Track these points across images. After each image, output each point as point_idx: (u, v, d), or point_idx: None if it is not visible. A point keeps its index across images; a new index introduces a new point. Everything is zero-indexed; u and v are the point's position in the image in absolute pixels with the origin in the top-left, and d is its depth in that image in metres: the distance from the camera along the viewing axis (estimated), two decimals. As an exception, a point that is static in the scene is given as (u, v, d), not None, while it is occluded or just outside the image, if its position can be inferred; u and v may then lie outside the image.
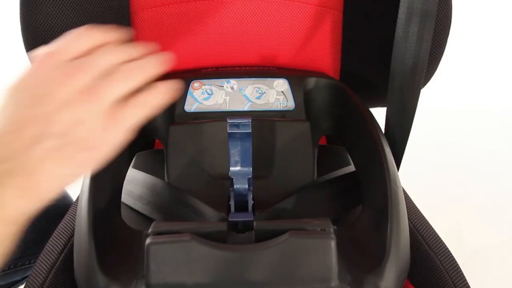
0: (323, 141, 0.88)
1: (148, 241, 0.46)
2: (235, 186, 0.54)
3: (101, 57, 0.43)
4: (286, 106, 0.68)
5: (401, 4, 0.62)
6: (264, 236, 0.46)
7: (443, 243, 0.59)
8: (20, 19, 0.65)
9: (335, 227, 0.49)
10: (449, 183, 1.49)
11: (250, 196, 0.55)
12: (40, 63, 0.42)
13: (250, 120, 0.53)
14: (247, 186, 0.54)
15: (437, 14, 0.64)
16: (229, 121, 0.53)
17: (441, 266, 0.57)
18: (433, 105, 1.57)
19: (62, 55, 0.43)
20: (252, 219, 0.51)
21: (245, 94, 0.69)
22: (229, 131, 0.53)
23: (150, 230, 0.48)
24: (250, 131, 0.53)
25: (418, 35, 0.63)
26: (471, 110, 1.74)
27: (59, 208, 0.66)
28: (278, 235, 0.45)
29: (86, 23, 0.66)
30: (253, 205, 0.56)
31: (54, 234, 0.59)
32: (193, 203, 0.58)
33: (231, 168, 0.54)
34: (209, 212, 0.57)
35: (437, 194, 1.41)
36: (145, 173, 0.65)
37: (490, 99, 1.80)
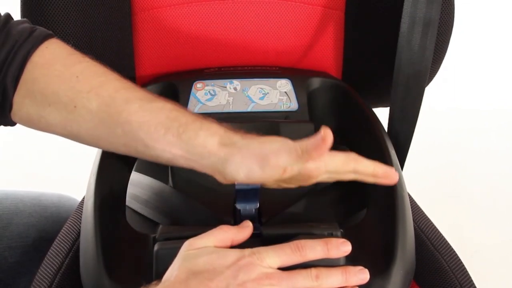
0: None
1: (157, 247, 0.46)
2: (241, 212, 0.52)
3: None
4: (290, 106, 0.68)
5: (403, 12, 0.63)
6: (273, 241, 0.46)
7: (449, 245, 0.59)
8: (21, 18, 0.64)
9: (342, 230, 0.49)
10: (449, 183, 1.49)
11: (256, 213, 0.53)
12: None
13: (259, 187, 0.51)
14: (253, 212, 0.52)
15: (439, 20, 0.64)
16: (237, 187, 0.51)
17: (447, 268, 0.57)
18: (434, 105, 1.57)
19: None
20: (259, 232, 0.50)
21: (248, 95, 0.69)
22: (236, 188, 0.51)
23: (158, 236, 0.48)
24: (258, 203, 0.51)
25: (421, 44, 0.63)
26: (472, 110, 1.74)
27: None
28: (286, 240, 0.45)
29: (87, 23, 0.66)
30: (259, 211, 0.54)
31: (58, 237, 0.59)
32: (199, 207, 0.58)
33: (237, 204, 0.52)
34: (215, 216, 0.56)
35: (437, 194, 1.41)
36: (150, 178, 0.65)
37: (491, 98, 1.80)
